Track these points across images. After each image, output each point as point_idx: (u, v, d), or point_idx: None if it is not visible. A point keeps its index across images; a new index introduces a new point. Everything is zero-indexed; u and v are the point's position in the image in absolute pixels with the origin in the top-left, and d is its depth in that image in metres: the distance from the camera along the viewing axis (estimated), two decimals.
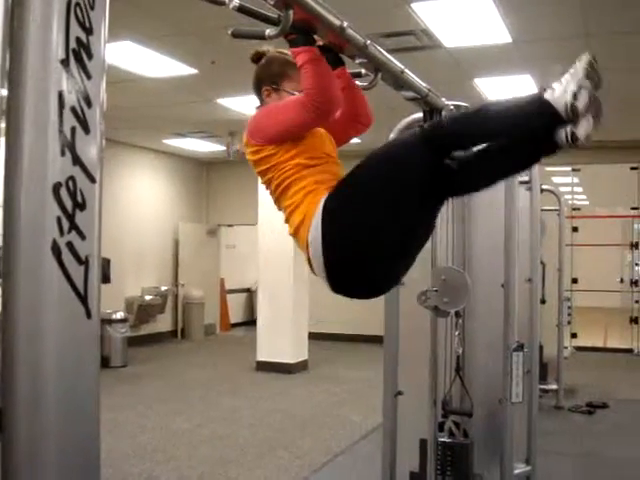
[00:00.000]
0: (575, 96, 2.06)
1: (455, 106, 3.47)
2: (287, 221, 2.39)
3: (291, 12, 1.98)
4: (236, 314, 14.49)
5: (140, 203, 11.75)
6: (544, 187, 6.89)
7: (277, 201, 2.43)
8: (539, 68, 6.67)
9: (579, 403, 7.03)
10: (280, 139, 2.34)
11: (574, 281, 10.90)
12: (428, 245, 3.38)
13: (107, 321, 9.45)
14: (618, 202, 13.58)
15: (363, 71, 2.66)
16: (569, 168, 11.67)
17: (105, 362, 9.24)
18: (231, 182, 12.71)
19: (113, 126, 9.03)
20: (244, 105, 8.19)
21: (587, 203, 17.46)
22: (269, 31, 2.05)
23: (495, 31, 5.51)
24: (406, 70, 2.78)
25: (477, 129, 2.25)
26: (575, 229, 11.23)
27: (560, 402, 6.96)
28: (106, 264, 9.87)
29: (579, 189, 15.33)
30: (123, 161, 11.08)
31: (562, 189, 14.64)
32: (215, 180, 13.32)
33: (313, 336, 9.93)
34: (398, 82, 2.83)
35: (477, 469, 3.57)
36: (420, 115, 3.43)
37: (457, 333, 3.30)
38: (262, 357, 9.17)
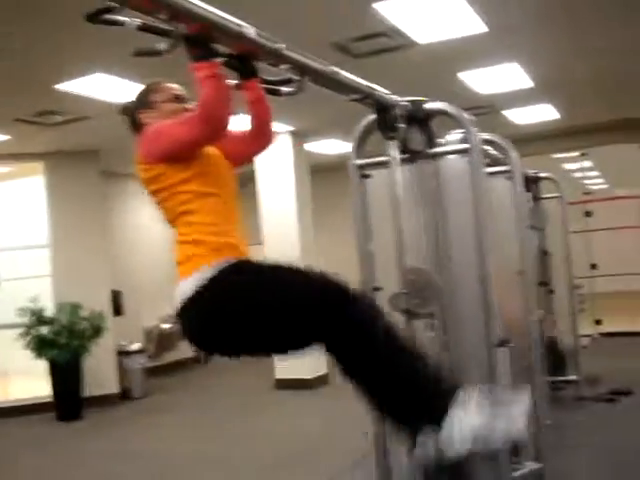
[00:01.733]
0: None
1: (414, 103, 3.41)
2: (174, 248, 2.46)
3: (181, 25, 1.93)
4: None
5: (152, 232, 11.76)
6: (541, 175, 6.77)
7: (169, 221, 2.48)
8: (525, 55, 6.56)
9: (602, 392, 6.84)
10: (170, 156, 2.32)
11: (593, 267, 10.68)
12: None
13: (124, 353, 9.46)
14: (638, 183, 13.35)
15: (292, 77, 2.60)
16: (577, 153, 11.47)
17: (126, 394, 9.24)
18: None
19: (116, 157, 9.09)
20: None
21: (606, 186, 17.20)
22: (162, 45, 1.99)
23: (468, 22, 5.41)
24: (341, 71, 2.71)
25: (388, 352, 2.14)
26: (588, 214, 11.00)
27: (581, 392, 6.78)
28: (118, 296, 9.90)
29: (594, 173, 15.10)
30: (133, 194, 11.11)
31: (577, 175, 14.44)
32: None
33: None
34: (334, 84, 2.76)
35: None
36: (373, 116, 3.35)
37: (432, 335, 3.20)
38: (281, 375, 9.08)
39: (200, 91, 2.19)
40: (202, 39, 2.14)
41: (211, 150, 2.45)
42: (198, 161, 2.35)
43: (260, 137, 2.62)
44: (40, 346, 8.13)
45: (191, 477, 5.59)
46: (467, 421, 2.04)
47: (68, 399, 8.24)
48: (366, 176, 3.66)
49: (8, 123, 7.33)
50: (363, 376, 2.16)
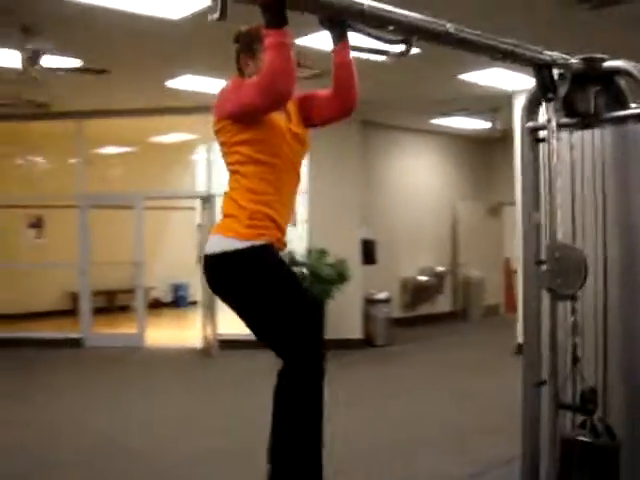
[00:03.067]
0: None
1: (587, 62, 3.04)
2: (222, 198, 2.62)
3: None
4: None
5: (413, 184, 11.86)
6: None
7: (228, 172, 2.60)
8: None
9: None
10: (234, 116, 2.42)
11: None
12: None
13: (371, 301, 9.76)
14: None
15: (391, 50, 2.46)
16: None
17: (369, 341, 9.57)
18: (499, 159, 12.21)
19: (377, 109, 9.30)
20: (490, 78, 7.91)
21: None
22: None
23: None
24: (455, 28, 2.49)
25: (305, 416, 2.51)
26: None
27: None
28: (371, 245, 10.19)
29: None
30: (395, 143, 11.30)
31: None
32: (488, 157, 12.92)
33: None
34: (455, 43, 2.54)
35: (626, 477, 3.09)
36: None
37: (572, 320, 2.88)
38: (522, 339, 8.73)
39: (265, 58, 2.20)
40: (274, 5, 2.12)
41: (280, 121, 2.48)
42: (259, 127, 2.40)
43: (340, 102, 2.58)
44: None
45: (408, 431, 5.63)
46: None
47: None
48: (540, 140, 3.36)
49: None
50: (279, 406, 2.51)
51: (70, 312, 11.24)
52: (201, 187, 10.14)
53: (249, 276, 2.48)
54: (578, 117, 3.13)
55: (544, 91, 2.96)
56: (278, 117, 2.49)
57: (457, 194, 12.58)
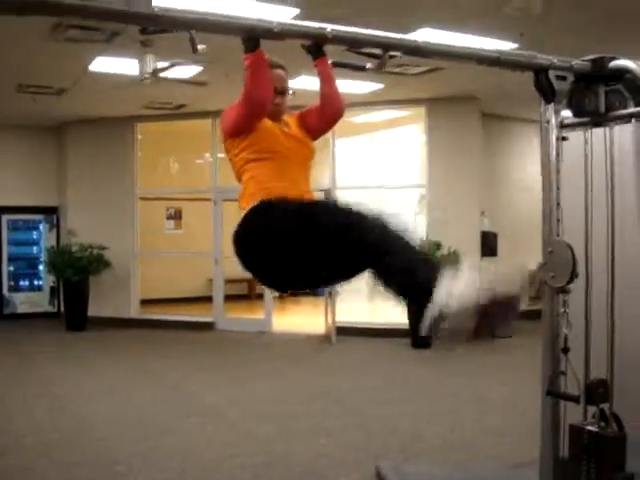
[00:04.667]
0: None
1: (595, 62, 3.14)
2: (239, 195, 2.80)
3: None
4: None
5: (537, 175, 11.62)
6: None
7: (238, 182, 2.84)
8: None
9: None
10: (231, 132, 2.75)
11: None
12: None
13: None
14: None
15: (367, 65, 2.73)
16: None
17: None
18: None
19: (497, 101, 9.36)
20: None
21: None
22: None
23: None
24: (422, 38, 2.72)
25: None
26: None
27: None
28: (492, 238, 10.21)
29: None
30: (516, 135, 11.16)
31: None
32: None
33: None
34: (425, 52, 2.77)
35: (632, 467, 3.16)
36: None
37: (562, 311, 3.00)
38: None
39: (245, 75, 2.56)
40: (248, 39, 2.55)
41: (272, 126, 2.76)
42: (253, 134, 2.70)
43: (326, 111, 2.84)
44: None
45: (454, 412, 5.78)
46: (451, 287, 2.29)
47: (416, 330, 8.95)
48: (563, 138, 3.45)
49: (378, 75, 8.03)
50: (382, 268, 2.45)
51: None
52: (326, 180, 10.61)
53: (272, 222, 2.60)
54: (588, 116, 3.23)
55: (542, 93, 3.09)
56: (270, 124, 2.79)
57: None
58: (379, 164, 11.44)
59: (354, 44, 2.62)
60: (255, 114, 2.65)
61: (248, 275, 2.71)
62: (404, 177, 10.66)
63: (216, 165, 10.71)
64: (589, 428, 3.17)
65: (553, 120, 3.10)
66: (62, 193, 11.73)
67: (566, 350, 3.04)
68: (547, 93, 3.07)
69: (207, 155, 11.46)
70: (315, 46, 2.68)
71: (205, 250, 11.12)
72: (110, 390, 6.68)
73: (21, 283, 11.74)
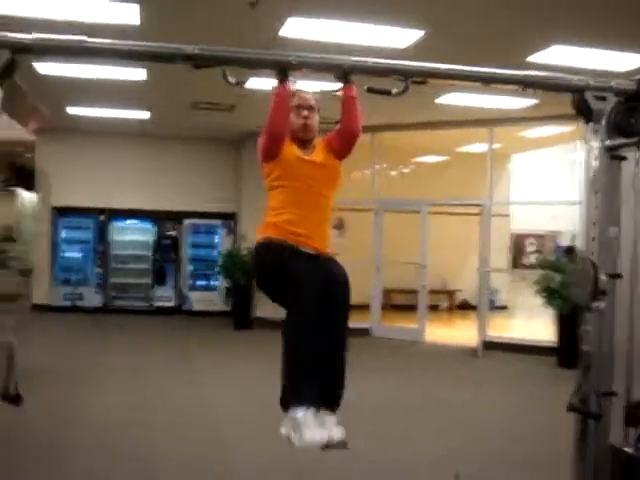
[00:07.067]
0: None
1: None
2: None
3: None
4: None
5: None
6: None
7: None
8: None
9: None
10: (260, 158, 3.12)
11: None
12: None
13: None
14: None
15: (394, 90, 2.98)
16: None
17: None
18: None
19: None
20: None
21: None
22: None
23: None
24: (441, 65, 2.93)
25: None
26: None
27: None
28: None
29: None
30: None
31: None
32: None
33: None
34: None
35: None
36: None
37: (583, 327, 3.03)
38: None
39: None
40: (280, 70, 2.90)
41: (294, 154, 3.06)
42: (277, 161, 3.03)
43: (345, 132, 3.10)
44: (550, 295, 8.80)
45: None
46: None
47: (570, 347, 8.71)
48: (621, 158, 3.45)
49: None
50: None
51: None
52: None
53: (265, 262, 3.16)
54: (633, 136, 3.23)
55: (581, 114, 3.16)
56: (292, 150, 3.09)
57: None
58: (543, 180, 11.29)
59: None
60: (273, 139, 2.98)
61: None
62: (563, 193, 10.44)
63: (374, 177, 11.08)
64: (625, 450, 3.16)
65: (594, 142, 3.14)
66: (239, 201, 12.69)
67: (587, 367, 3.07)
68: (585, 114, 3.13)
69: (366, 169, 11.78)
70: (342, 75, 2.97)
71: (366, 259, 11.41)
72: (241, 385, 7.34)
73: (198, 283, 12.86)
